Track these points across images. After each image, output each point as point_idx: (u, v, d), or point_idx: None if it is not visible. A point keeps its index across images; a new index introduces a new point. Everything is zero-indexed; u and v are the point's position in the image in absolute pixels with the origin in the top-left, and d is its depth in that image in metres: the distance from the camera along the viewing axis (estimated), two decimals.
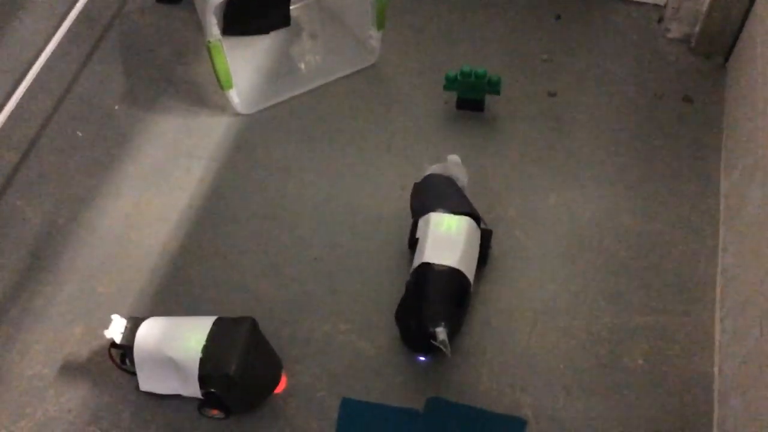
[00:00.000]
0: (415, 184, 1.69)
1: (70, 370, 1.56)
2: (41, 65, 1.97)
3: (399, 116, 1.99)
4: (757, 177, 1.52)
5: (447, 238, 1.54)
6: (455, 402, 1.49)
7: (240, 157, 1.92)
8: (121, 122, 2.00)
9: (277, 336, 1.56)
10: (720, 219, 1.73)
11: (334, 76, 2.08)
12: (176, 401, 1.48)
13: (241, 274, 1.69)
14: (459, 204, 1.61)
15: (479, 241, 1.61)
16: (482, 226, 1.63)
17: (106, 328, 1.46)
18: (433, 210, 1.59)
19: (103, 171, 1.90)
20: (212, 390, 1.40)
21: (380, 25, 2.01)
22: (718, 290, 1.62)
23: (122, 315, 1.49)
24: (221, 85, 1.90)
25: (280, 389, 1.49)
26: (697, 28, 2.04)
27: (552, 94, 2.02)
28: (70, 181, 1.88)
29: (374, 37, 2.06)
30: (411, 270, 1.55)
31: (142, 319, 1.47)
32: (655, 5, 2.20)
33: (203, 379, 1.39)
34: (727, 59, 2.03)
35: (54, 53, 2.02)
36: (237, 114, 2.01)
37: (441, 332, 1.42)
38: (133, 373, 1.48)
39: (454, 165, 1.69)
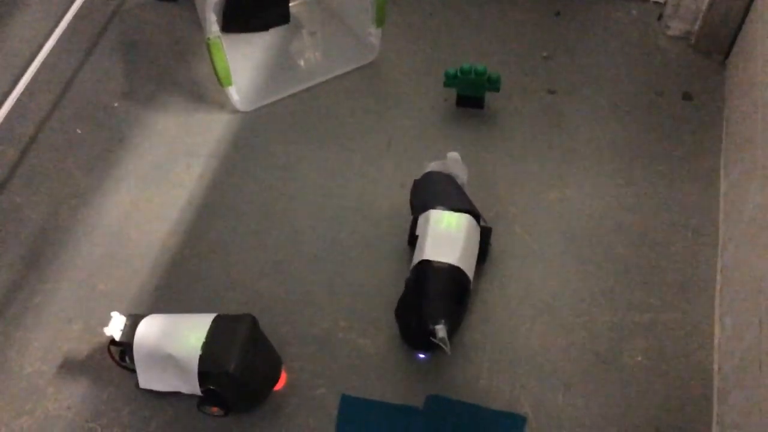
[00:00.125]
0: (415, 181, 1.69)
1: (70, 367, 1.56)
2: (40, 62, 1.97)
3: (398, 113, 1.99)
4: (756, 175, 1.52)
5: (447, 235, 1.54)
6: (455, 399, 1.49)
7: (239, 154, 1.92)
8: (121, 119, 2.00)
9: (276, 333, 1.56)
10: (720, 217, 1.73)
11: (333, 74, 2.08)
12: (176, 398, 1.48)
13: (241, 272, 1.69)
14: (459, 201, 1.61)
15: (479, 239, 1.61)
16: (482, 223, 1.63)
17: (106, 325, 1.46)
18: (433, 207, 1.59)
19: (102, 168, 1.90)
20: (212, 387, 1.40)
21: (380, 22, 2.01)
22: (717, 288, 1.62)
23: (122, 312, 1.49)
24: (221, 82, 1.90)
25: (279, 386, 1.49)
26: (696, 26, 2.04)
27: (552, 92, 2.02)
28: (69, 179, 1.88)
29: (374, 34, 2.06)
30: (410, 267, 1.55)
31: (142, 317, 1.47)
32: (655, 2, 2.20)
33: (203, 376, 1.39)
34: (727, 57, 2.03)
35: (53, 50, 2.02)
36: (236, 111, 2.01)
37: (441, 329, 1.42)
38: (133, 371, 1.47)
39: (453, 162, 1.69)
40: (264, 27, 2.19)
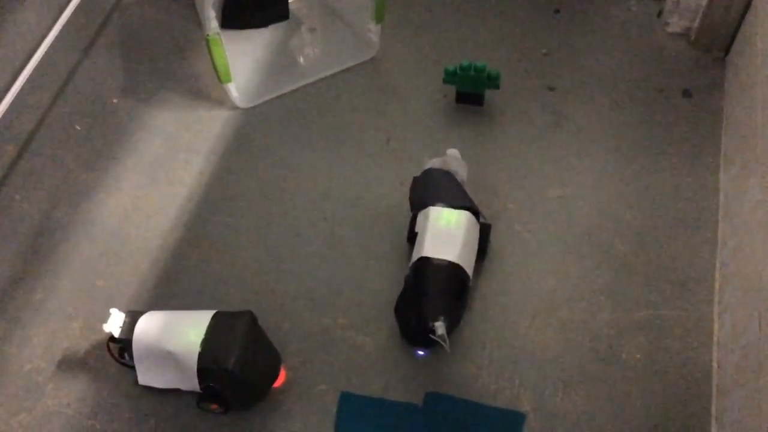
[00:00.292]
0: (414, 178, 1.69)
1: (69, 364, 1.56)
2: (39, 58, 1.97)
3: (398, 110, 1.99)
4: (756, 171, 1.52)
5: (446, 232, 1.54)
6: (454, 396, 1.49)
7: (238, 150, 1.92)
8: (120, 116, 2.00)
9: (276, 330, 1.56)
10: (719, 214, 1.73)
11: (333, 70, 2.08)
12: (175, 395, 1.48)
13: (240, 268, 1.69)
14: (458, 198, 1.61)
15: (478, 236, 1.61)
16: (481, 220, 1.63)
17: (105, 322, 1.46)
18: (432, 204, 1.59)
19: (101, 164, 1.90)
20: (211, 384, 1.40)
21: (379, 18, 2.00)
22: (716, 285, 1.62)
23: (121, 309, 1.49)
24: (220, 78, 1.89)
25: (279, 383, 1.49)
26: (696, 22, 2.04)
27: (551, 89, 2.02)
28: (68, 175, 1.87)
29: (373, 30, 2.05)
30: (410, 264, 1.55)
31: (141, 313, 1.47)
32: None
33: (202, 373, 1.39)
34: (726, 53, 2.03)
35: (52, 46, 2.01)
36: (236, 108, 2.00)
37: (440, 326, 1.42)
38: (132, 367, 1.48)
39: (453, 159, 1.69)
40: (263, 23, 2.19)
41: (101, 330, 1.48)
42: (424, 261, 1.50)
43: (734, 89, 1.89)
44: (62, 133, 1.96)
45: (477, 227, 1.61)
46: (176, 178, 1.86)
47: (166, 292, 1.66)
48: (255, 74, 2.08)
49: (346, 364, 1.54)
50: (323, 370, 1.53)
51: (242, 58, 2.09)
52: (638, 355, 1.53)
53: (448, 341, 1.42)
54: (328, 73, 2.07)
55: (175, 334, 1.41)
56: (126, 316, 1.47)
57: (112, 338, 1.47)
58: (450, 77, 1.91)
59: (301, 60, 2.14)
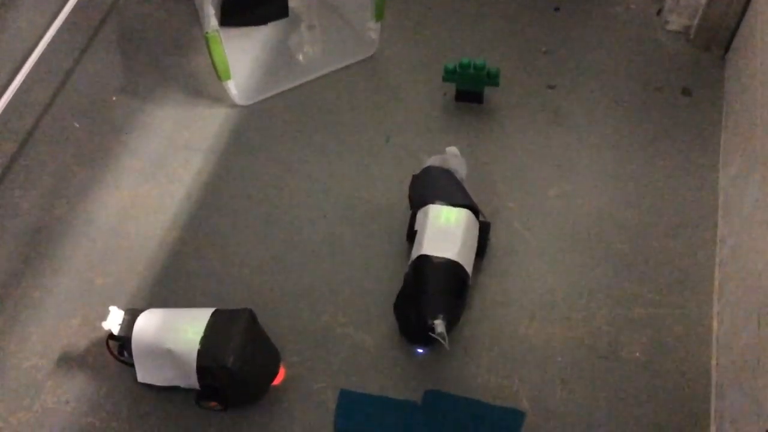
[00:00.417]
0: (414, 176, 1.69)
1: (68, 361, 1.56)
2: (38, 56, 1.96)
3: (397, 108, 1.99)
4: (755, 170, 1.52)
5: (445, 230, 1.54)
6: (453, 394, 1.49)
7: (238, 148, 1.91)
8: (119, 113, 2.00)
9: (275, 328, 1.55)
10: (718, 212, 1.73)
11: (332, 68, 2.07)
12: (174, 393, 1.48)
13: (239, 266, 1.69)
14: (458, 196, 1.60)
15: (478, 234, 1.61)
16: (481, 218, 1.63)
17: (104, 319, 1.46)
18: (432, 202, 1.59)
19: (100, 162, 1.89)
20: (210, 382, 1.40)
21: (379, 15, 2.00)
22: (716, 283, 1.62)
23: (120, 307, 1.49)
24: (219, 76, 1.89)
25: (278, 381, 1.49)
26: (696, 20, 2.04)
27: (551, 87, 2.02)
28: (67, 173, 1.87)
29: (373, 28, 2.05)
30: (409, 262, 1.55)
31: (140, 311, 1.47)
32: None
33: (201, 371, 1.39)
34: (726, 52, 2.03)
35: (51, 44, 2.01)
36: (235, 105, 2.00)
37: (439, 324, 1.42)
38: (131, 365, 1.47)
39: (452, 157, 1.69)
40: (263, 21, 2.19)
41: (100, 328, 1.48)
42: (424, 259, 1.50)
43: (734, 87, 1.89)
44: (61, 131, 1.96)
45: (476, 225, 1.61)
46: (175, 175, 1.86)
47: (166, 289, 1.66)
48: (254, 72, 2.08)
49: (346, 362, 1.54)
50: (322, 368, 1.53)
51: (241, 56, 2.09)
52: (637, 353, 1.53)
53: (447, 339, 1.42)
54: (328, 70, 2.07)
55: (175, 332, 1.41)
56: (125, 314, 1.47)
57: (111, 336, 1.47)
58: (450, 75, 1.91)
59: (301, 58, 2.14)
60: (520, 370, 1.52)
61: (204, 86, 2.05)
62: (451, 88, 1.97)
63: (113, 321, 1.46)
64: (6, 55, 2.09)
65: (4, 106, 1.85)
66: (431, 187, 1.63)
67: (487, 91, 1.96)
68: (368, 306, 1.62)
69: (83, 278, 1.68)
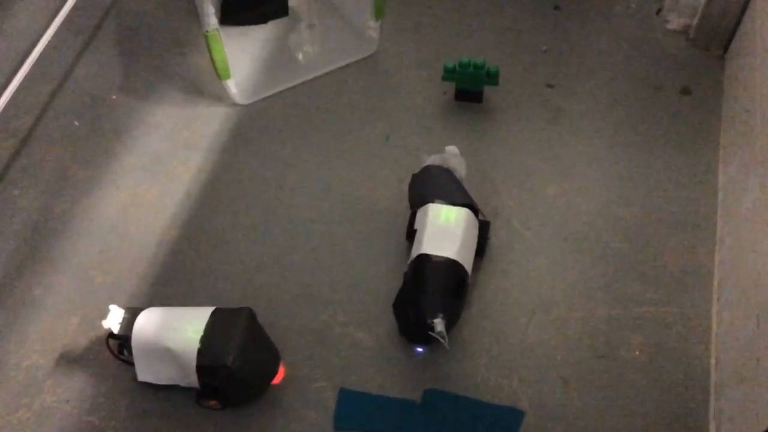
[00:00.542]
0: (413, 175, 1.69)
1: (68, 360, 1.56)
2: (38, 54, 1.96)
3: (397, 107, 1.99)
4: (755, 169, 1.52)
5: (445, 229, 1.54)
6: (453, 393, 1.49)
7: (237, 147, 1.91)
8: (119, 112, 2.00)
9: (275, 327, 1.55)
10: (718, 211, 1.73)
11: (332, 67, 2.07)
12: (174, 392, 1.48)
13: (239, 265, 1.69)
14: (457, 195, 1.61)
15: (477, 233, 1.61)
16: (480, 217, 1.63)
17: (104, 318, 1.46)
18: (432, 201, 1.59)
19: (100, 161, 1.89)
20: (210, 380, 1.41)
21: (379, 14, 2.00)
22: (715, 282, 1.62)
23: (120, 305, 1.49)
24: (219, 75, 1.89)
25: (278, 380, 1.49)
26: (695, 20, 2.04)
27: (550, 86, 2.02)
28: (67, 171, 1.87)
29: (373, 27, 2.05)
30: (409, 261, 1.55)
31: (140, 310, 1.47)
32: None
33: (201, 370, 1.39)
34: (725, 51, 2.03)
35: (51, 42, 2.01)
36: (235, 104, 2.00)
37: (439, 323, 1.42)
38: (131, 364, 1.47)
39: (452, 156, 1.69)
40: (262, 20, 2.19)
41: (100, 326, 1.48)
42: (423, 258, 1.50)
43: (733, 87, 1.89)
44: (61, 130, 1.96)
45: (476, 224, 1.61)
46: (175, 174, 1.86)
47: (165, 288, 1.66)
48: (254, 71, 2.08)
49: (345, 361, 1.54)
50: (322, 367, 1.53)
51: (241, 55, 2.09)
52: (637, 352, 1.53)
53: (447, 338, 1.42)
54: (328, 69, 2.07)
55: (175, 331, 1.41)
56: (125, 313, 1.47)
57: (111, 334, 1.47)
58: (449, 74, 1.91)
59: (300, 57, 2.14)
60: (519, 369, 1.52)
61: (204, 85, 2.05)
62: (450, 87, 1.97)
63: (113, 320, 1.46)
64: (6, 54, 2.09)
65: (4, 104, 1.85)
66: (431, 186, 1.63)
67: (487, 90, 1.96)
68: (368, 305, 1.62)
69: (83, 277, 1.68)
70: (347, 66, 2.08)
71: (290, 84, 2.04)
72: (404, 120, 1.96)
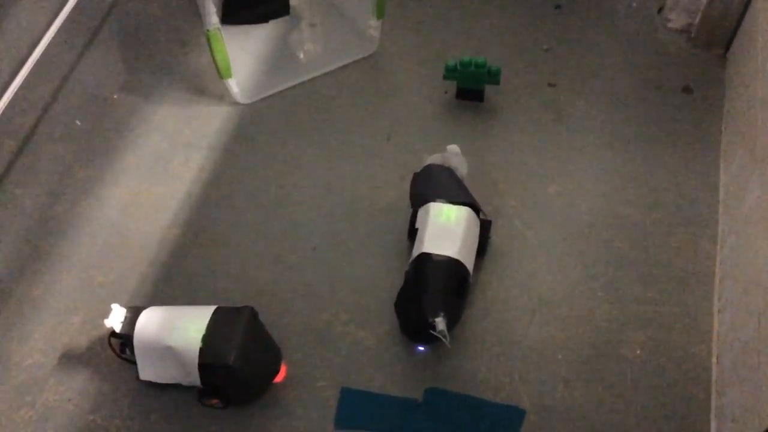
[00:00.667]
0: (415, 174, 1.69)
1: (70, 359, 1.56)
2: (40, 54, 1.96)
3: (398, 106, 1.99)
4: (756, 168, 1.52)
5: (446, 228, 1.54)
6: (454, 391, 1.49)
7: (239, 146, 1.91)
8: (120, 111, 2.00)
9: (276, 325, 1.56)
10: (719, 210, 1.73)
11: (333, 66, 2.07)
12: (176, 390, 1.49)
13: (241, 264, 1.69)
14: (458, 194, 1.61)
15: (478, 232, 1.61)
16: (481, 216, 1.63)
17: (106, 317, 1.46)
18: (433, 200, 1.59)
19: (101, 160, 1.90)
20: (212, 379, 1.41)
21: (380, 14, 2.00)
22: (716, 281, 1.62)
23: (122, 304, 1.49)
24: (220, 74, 1.89)
25: (279, 378, 1.49)
26: (697, 19, 2.04)
27: (552, 85, 2.02)
28: (69, 171, 1.87)
29: (373, 26, 2.05)
30: (410, 260, 1.55)
31: (142, 309, 1.47)
32: None
33: (203, 369, 1.39)
34: (727, 50, 2.03)
35: (52, 42, 2.01)
36: (236, 103, 2.00)
37: (440, 322, 1.42)
38: (133, 363, 1.48)
39: (453, 155, 1.69)
40: (264, 19, 2.19)
41: (102, 325, 1.48)
42: (425, 257, 1.50)
43: (734, 86, 1.89)
44: (62, 129, 1.96)
45: (477, 223, 1.61)
46: (176, 173, 1.86)
47: (167, 287, 1.66)
48: (255, 70, 2.08)
49: (347, 360, 1.54)
50: (323, 366, 1.53)
51: (242, 54, 2.09)
52: (638, 351, 1.53)
53: (448, 337, 1.43)
54: (329, 68, 2.07)
55: (176, 330, 1.41)
56: (127, 312, 1.47)
57: (113, 333, 1.47)
58: (450, 73, 1.91)
59: (302, 56, 2.14)
60: (520, 368, 1.52)
61: (205, 84, 2.05)
62: (452, 86, 1.97)
63: (115, 318, 1.46)
64: (8, 53, 2.10)
65: (6, 104, 1.85)
66: (432, 185, 1.63)
67: (488, 89, 1.96)
68: (369, 304, 1.62)
69: (85, 276, 1.68)
70: (348, 65, 2.08)
71: (291, 83, 2.04)
72: (405, 119, 1.96)
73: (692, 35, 2.08)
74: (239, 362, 1.37)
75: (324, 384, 1.51)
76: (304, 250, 1.71)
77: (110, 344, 1.49)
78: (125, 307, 1.48)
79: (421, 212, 1.61)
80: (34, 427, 1.47)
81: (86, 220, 1.78)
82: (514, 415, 1.46)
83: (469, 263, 1.53)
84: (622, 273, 1.65)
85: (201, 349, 1.38)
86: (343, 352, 1.55)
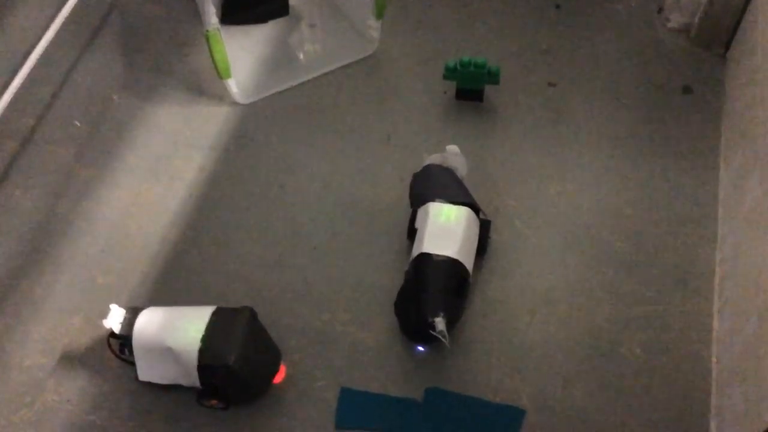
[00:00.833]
0: (414, 174, 1.69)
1: (69, 359, 1.56)
2: (39, 54, 1.96)
3: (398, 106, 1.99)
4: (756, 168, 1.52)
5: (446, 228, 1.54)
6: (454, 392, 1.49)
7: (239, 146, 1.92)
8: (120, 112, 2.00)
9: (276, 326, 1.56)
10: (719, 210, 1.73)
11: (333, 66, 2.07)
12: (175, 391, 1.48)
13: (240, 264, 1.69)
14: (458, 194, 1.61)
15: (478, 232, 1.61)
16: (481, 216, 1.63)
17: (105, 317, 1.46)
18: (432, 200, 1.59)
19: (101, 161, 1.90)
20: (211, 380, 1.41)
21: (379, 14, 2.00)
22: (716, 280, 1.62)
23: (121, 305, 1.49)
24: (220, 74, 1.89)
25: (279, 379, 1.49)
26: (697, 18, 2.04)
27: (552, 84, 2.02)
28: (68, 171, 1.87)
29: (373, 26, 2.05)
30: (410, 260, 1.55)
31: (141, 309, 1.47)
32: None
33: (202, 369, 1.39)
34: (727, 50, 2.03)
35: (52, 42, 2.01)
36: (236, 104, 2.00)
37: (440, 322, 1.42)
38: (133, 363, 1.48)
39: (453, 155, 1.69)
40: (263, 19, 2.19)
41: (101, 326, 1.48)
42: (424, 257, 1.50)
43: (734, 86, 1.89)
44: (62, 130, 1.96)
45: (477, 223, 1.61)
46: (176, 174, 1.86)
47: (167, 287, 1.66)
48: (255, 70, 2.08)
49: (347, 360, 1.54)
50: (323, 366, 1.53)
51: (242, 54, 2.09)
52: (638, 351, 1.53)
53: (448, 337, 1.43)
54: (328, 69, 2.07)
55: (176, 330, 1.41)
56: (126, 312, 1.47)
57: (112, 334, 1.47)
58: (450, 73, 1.91)
59: (301, 56, 2.14)
60: (520, 368, 1.52)
61: (205, 85, 2.05)
62: (451, 87, 1.97)
63: (114, 319, 1.46)
64: (7, 53, 2.09)
65: (5, 105, 1.85)
66: (432, 185, 1.63)
67: (488, 89, 1.96)
68: (369, 304, 1.62)
69: (84, 276, 1.68)
70: (348, 65, 2.08)
71: (291, 83, 2.04)
72: (405, 119, 1.96)
73: (692, 35, 2.07)
74: (239, 363, 1.37)
75: (324, 384, 1.51)
76: (304, 250, 1.71)
77: (109, 345, 1.49)
78: (124, 307, 1.48)
79: (420, 212, 1.61)
80: (34, 428, 1.47)
81: (86, 221, 1.78)
82: (514, 415, 1.46)
83: (469, 263, 1.53)
84: (622, 273, 1.65)
85: (200, 350, 1.38)
86: (343, 352, 1.55)
